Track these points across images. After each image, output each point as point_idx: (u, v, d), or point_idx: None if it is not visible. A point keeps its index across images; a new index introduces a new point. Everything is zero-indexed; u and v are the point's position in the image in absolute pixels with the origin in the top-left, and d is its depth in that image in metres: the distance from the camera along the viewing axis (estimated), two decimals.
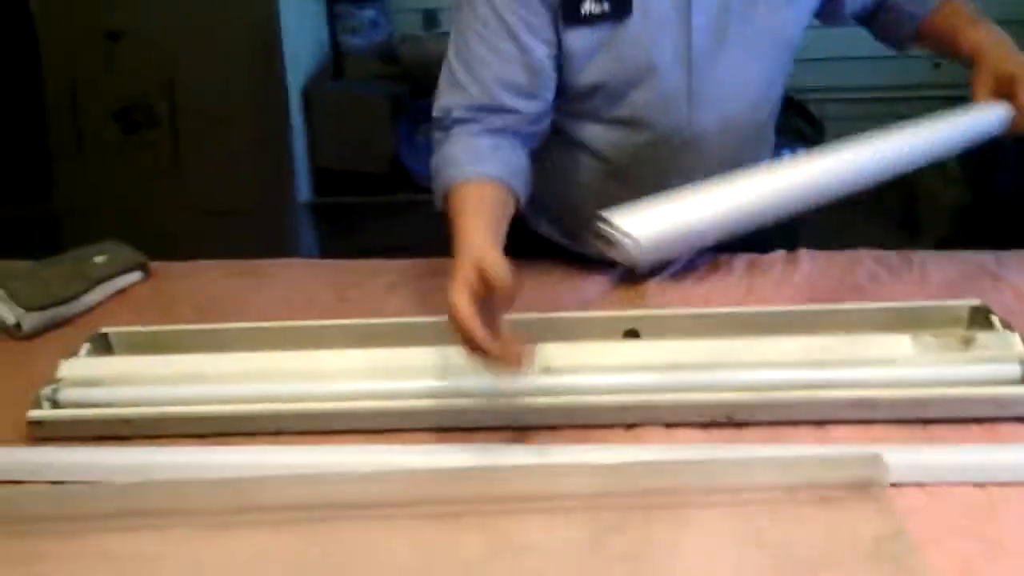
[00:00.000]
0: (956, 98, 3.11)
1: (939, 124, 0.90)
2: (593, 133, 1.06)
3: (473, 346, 0.75)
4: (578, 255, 1.13)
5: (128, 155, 2.39)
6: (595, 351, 0.88)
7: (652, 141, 1.03)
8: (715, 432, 0.80)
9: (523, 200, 0.98)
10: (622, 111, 1.02)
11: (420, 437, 0.82)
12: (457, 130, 0.98)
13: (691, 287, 1.05)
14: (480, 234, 0.84)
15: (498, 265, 0.78)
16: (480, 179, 0.93)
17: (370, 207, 2.70)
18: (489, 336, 0.74)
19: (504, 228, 0.90)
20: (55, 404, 0.87)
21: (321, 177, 2.69)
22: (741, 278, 1.06)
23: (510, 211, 0.94)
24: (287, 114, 2.44)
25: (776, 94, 1.10)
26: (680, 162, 1.03)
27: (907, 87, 3.08)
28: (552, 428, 0.82)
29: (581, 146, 1.07)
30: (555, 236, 1.17)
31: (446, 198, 0.93)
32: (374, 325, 0.95)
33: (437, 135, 1.00)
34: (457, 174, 0.94)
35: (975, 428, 0.78)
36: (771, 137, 1.15)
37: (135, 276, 1.14)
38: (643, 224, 0.73)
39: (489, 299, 0.77)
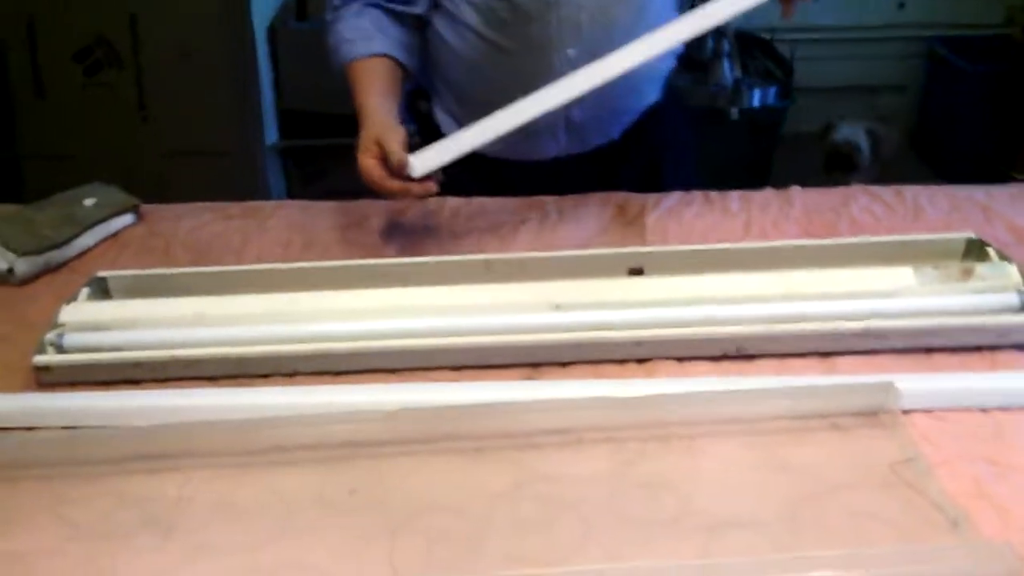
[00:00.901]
0: (921, 38, 3.12)
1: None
2: (468, 5, 1.10)
3: (388, 194, 0.98)
4: (486, 158, 1.17)
5: (91, 97, 2.32)
6: (603, 288, 0.88)
7: (523, 3, 1.06)
8: (726, 364, 0.82)
9: (413, 70, 1.13)
10: None
11: (434, 376, 0.82)
12: (343, 11, 1.12)
13: (689, 223, 1.06)
14: (376, 110, 1.02)
15: (394, 142, 0.98)
16: (370, 56, 1.08)
17: (338, 149, 2.66)
18: (398, 182, 0.97)
19: (397, 95, 1.08)
20: (60, 349, 0.86)
21: (288, 119, 2.64)
22: (738, 213, 1.07)
23: (400, 79, 1.10)
24: (253, 53, 2.38)
25: None
26: (557, 34, 1.07)
27: (873, 27, 3.09)
28: (564, 364, 0.83)
29: (463, 24, 1.11)
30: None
31: (343, 75, 1.09)
32: (381, 265, 0.95)
33: (328, 16, 1.14)
34: (349, 53, 1.09)
35: (976, 356, 0.81)
36: (658, 8, 1.14)
37: (127, 219, 1.12)
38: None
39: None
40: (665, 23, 1.04)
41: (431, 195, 1.00)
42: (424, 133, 1.26)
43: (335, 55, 1.11)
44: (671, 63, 1.24)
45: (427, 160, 0.99)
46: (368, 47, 1.09)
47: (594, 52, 1.05)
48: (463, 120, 1.19)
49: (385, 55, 1.09)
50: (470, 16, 1.10)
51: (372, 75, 1.07)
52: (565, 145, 1.18)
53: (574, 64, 1.09)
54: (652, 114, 1.22)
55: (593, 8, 1.07)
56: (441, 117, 1.23)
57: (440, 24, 1.14)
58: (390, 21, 1.12)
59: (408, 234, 1.08)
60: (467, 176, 1.20)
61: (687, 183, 1.16)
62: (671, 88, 1.26)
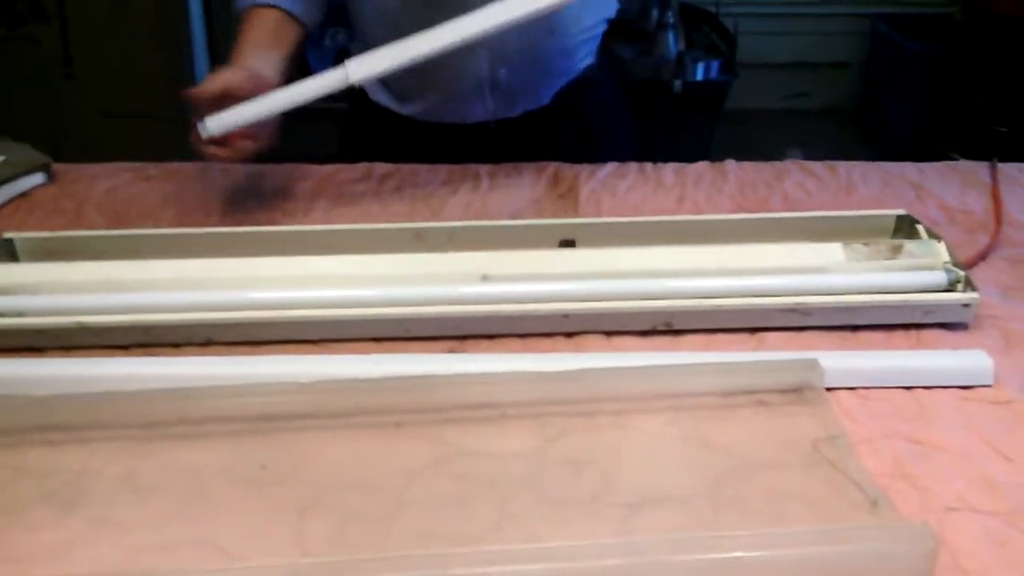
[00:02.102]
0: (864, 15, 3.16)
1: None
2: None
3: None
4: (415, 123, 1.18)
5: (13, 51, 2.23)
6: (532, 259, 0.86)
7: None
8: (654, 340, 0.81)
9: (312, 23, 1.09)
10: None
11: (356, 347, 0.80)
12: None
13: (623, 196, 1.04)
14: (235, 61, 1.00)
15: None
16: (255, 8, 1.05)
17: None
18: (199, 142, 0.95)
19: (280, 47, 1.04)
20: None
21: None
22: (671, 187, 1.06)
23: (287, 35, 1.06)
24: (187, 10, 2.30)
25: None
26: None
27: (817, 3, 3.11)
28: (491, 337, 0.81)
29: None
30: (390, 104, 1.19)
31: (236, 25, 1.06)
32: (304, 232, 0.92)
33: None
34: (241, 4, 1.06)
35: (902, 334, 0.81)
36: None
37: (37, 178, 1.07)
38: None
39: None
40: None
41: (241, 158, 0.96)
42: (351, 98, 1.23)
43: (235, 11, 1.08)
44: (603, 26, 1.21)
45: (223, 119, 0.93)
46: None
47: None
48: (389, 82, 1.16)
49: (270, 6, 1.05)
50: None
51: (251, 26, 1.04)
52: (493, 108, 1.15)
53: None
54: (584, 79, 1.20)
55: None
56: (369, 83, 1.19)
57: None
58: None
59: (335, 200, 1.05)
60: (397, 141, 1.18)
61: (622, 152, 1.15)
62: (606, 54, 1.24)
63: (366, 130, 1.24)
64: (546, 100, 1.18)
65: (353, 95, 1.21)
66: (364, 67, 0.94)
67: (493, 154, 1.14)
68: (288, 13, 1.06)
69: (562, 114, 1.19)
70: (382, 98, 1.19)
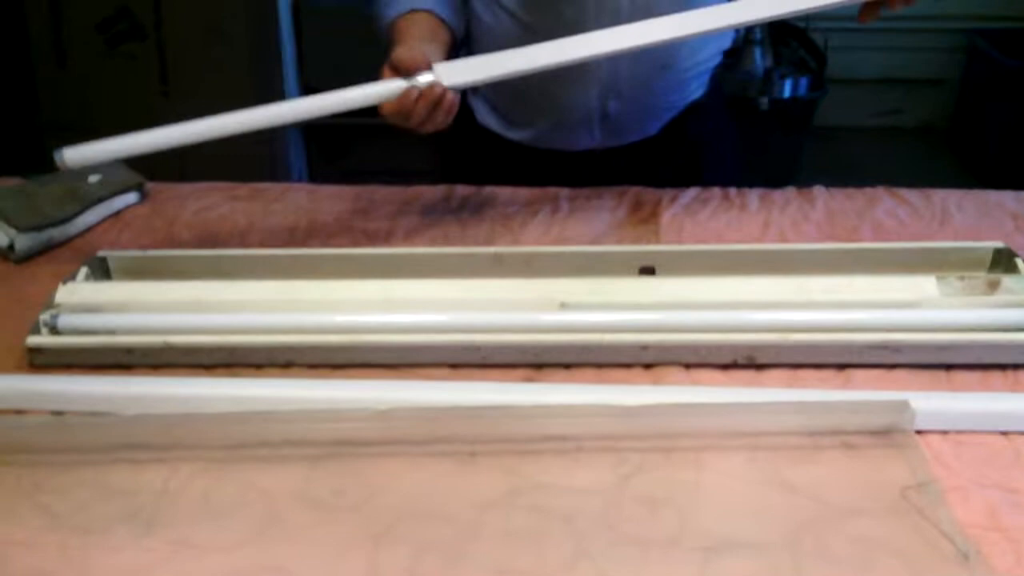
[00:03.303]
0: (959, 30, 3.06)
1: None
2: None
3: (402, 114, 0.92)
4: (521, 147, 1.17)
5: (113, 69, 2.31)
6: (611, 287, 0.85)
7: None
8: (735, 374, 0.79)
9: (459, 33, 1.08)
10: None
11: (433, 373, 0.80)
12: None
13: (705, 222, 1.02)
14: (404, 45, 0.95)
15: (404, 49, 0.92)
16: (409, 11, 1.04)
17: (361, 129, 2.64)
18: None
19: (439, 41, 1.02)
20: (54, 330, 0.84)
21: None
22: (756, 213, 1.04)
23: (442, 35, 1.04)
24: (277, 28, 2.36)
25: None
26: (595, 18, 1.01)
27: (910, 18, 3.02)
28: (568, 367, 0.80)
29: (499, 3, 1.08)
30: (498, 128, 1.18)
31: (386, 34, 1.04)
32: (385, 255, 0.93)
33: None
34: (388, 14, 1.05)
35: (999, 375, 0.77)
36: (702, 4, 1.08)
37: (131, 197, 1.10)
38: None
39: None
40: None
41: (447, 113, 0.93)
42: (458, 118, 1.23)
43: (378, 22, 1.07)
44: (717, 59, 1.19)
45: (455, 71, 0.91)
46: (409, 4, 1.04)
47: None
48: (498, 106, 1.16)
49: (426, 11, 1.05)
50: None
51: (409, 27, 1.03)
52: (600, 139, 1.14)
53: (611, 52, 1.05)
54: (692, 110, 1.17)
55: None
56: (474, 102, 1.19)
57: (477, 3, 1.10)
58: None
59: (415, 222, 1.05)
60: (501, 164, 1.17)
61: (728, 179, 1.12)
62: (715, 82, 1.21)
63: (470, 152, 1.23)
64: (654, 131, 1.16)
65: (459, 116, 1.21)
66: (456, 74, 0.93)
67: (598, 180, 1.12)
68: (441, 19, 1.06)
69: (670, 143, 1.17)
70: (490, 122, 1.19)
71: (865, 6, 0.96)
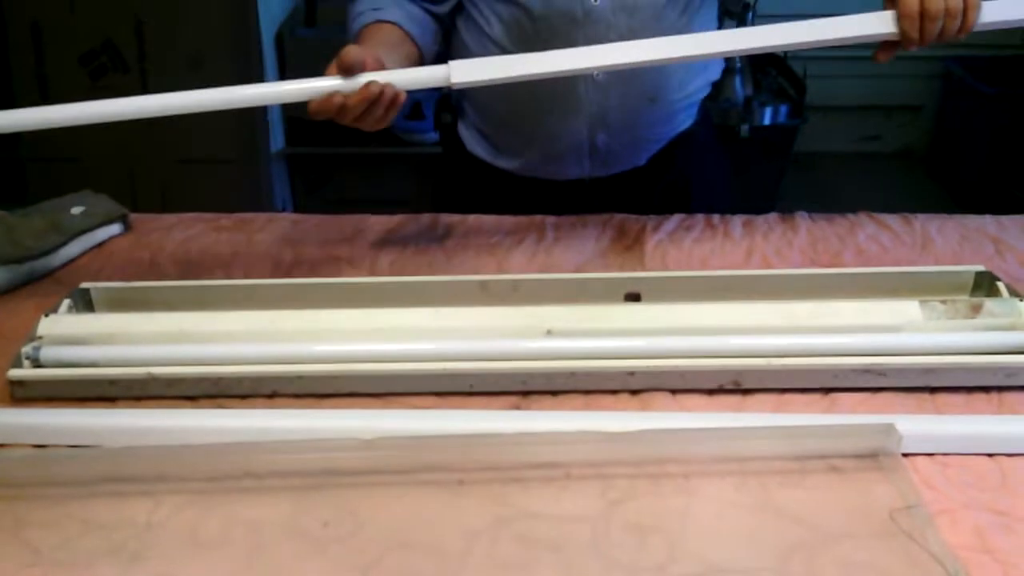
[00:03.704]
0: (937, 57, 3.09)
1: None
2: (492, 12, 1.07)
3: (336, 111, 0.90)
4: (509, 176, 1.17)
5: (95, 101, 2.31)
6: (597, 314, 0.85)
7: (547, 16, 1.03)
8: (721, 399, 0.79)
9: (426, 51, 1.08)
10: None
11: (418, 401, 0.80)
12: None
13: (690, 248, 1.03)
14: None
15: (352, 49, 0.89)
16: (375, 23, 1.04)
17: (344, 158, 2.65)
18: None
19: (401, 53, 1.01)
20: (36, 363, 0.83)
21: (294, 127, 2.63)
22: (740, 239, 1.04)
23: (406, 47, 1.04)
24: (260, 60, 2.36)
25: None
26: (576, 45, 1.00)
27: None
28: (555, 393, 0.80)
29: (484, 33, 1.08)
30: (487, 156, 1.19)
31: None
32: (369, 284, 0.93)
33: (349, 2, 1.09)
34: (357, 24, 1.05)
35: (983, 397, 0.78)
36: (693, 32, 1.09)
37: (114, 229, 1.10)
38: None
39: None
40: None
41: (387, 110, 0.89)
42: (448, 145, 1.24)
43: (349, 34, 1.06)
44: (706, 90, 1.20)
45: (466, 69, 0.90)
46: (375, 15, 1.05)
47: (621, 76, 1.02)
48: (488, 136, 1.17)
49: (392, 23, 1.04)
50: (495, 28, 1.08)
51: (372, 34, 1.02)
52: (589, 169, 1.15)
53: (601, 87, 1.06)
54: (681, 141, 1.18)
55: (623, 30, 1.04)
56: (464, 131, 1.20)
57: (466, 34, 1.11)
58: (409, 2, 1.08)
59: (401, 250, 1.05)
60: (490, 192, 1.18)
61: (717, 207, 1.13)
62: (703, 113, 1.22)
63: (459, 181, 1.24)
64: (642, 162, 1.17)
65: (449, 145, 1.22)
66: (466, 72, 0.92)
67: (586, 209, 1.13)
68: (407, 33, 1.05)
69: (658, 173, 1.18)
70: (479, 151, 1.20)
71: (882, 45, 0.96)
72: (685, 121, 1.18)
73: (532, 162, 1.16)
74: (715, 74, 1.21)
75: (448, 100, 1.24)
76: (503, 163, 1.18)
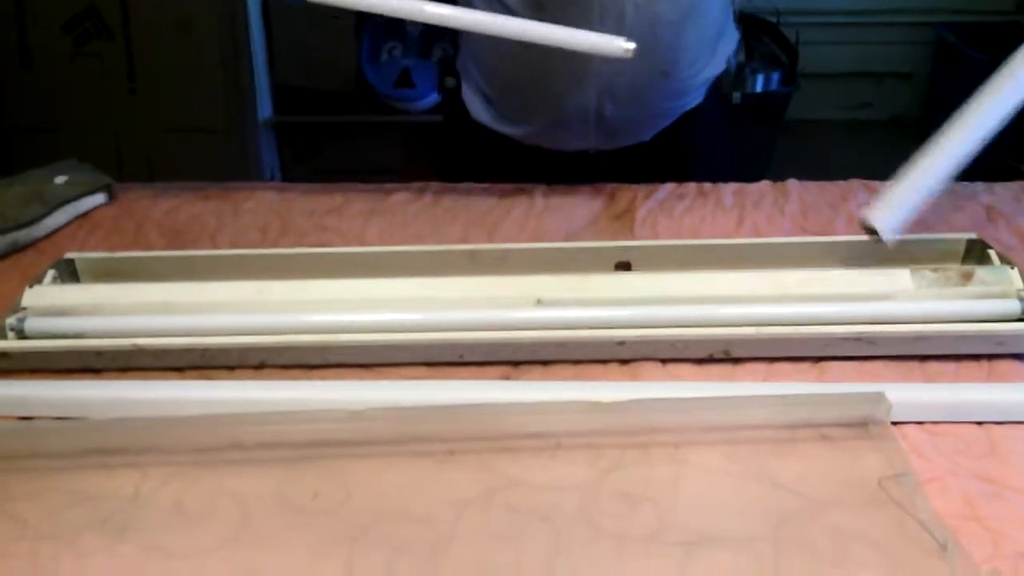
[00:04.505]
0: (929, 24, 3.08)
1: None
2: None
3: None
4: (513, 143, 1.15)
5: (80, 69, 2.28)
6: (587, 283, 0.85)
7: None
8: (711, 368, 0.79)
9: None
10: None
11: (408, 372, 0.79)
12: None
13: (680, 217, 1.02)
14: None
15: None
16: None
17: (333, 127, 2.63)
18: None
19: None
20: (20, 334, 0.82)
21: (282, 95, 2.60)
22: (731, 208, 1.04)
23: None
24: (247, 28, 2.33)
25: None
26: (598, 22, 1.00)
27: (880, 11, 3.04)
28: (545, 363, 0.80)
29: (499, 2, 1.05)
30: (490, 122, 1.17)
31: None
32: (358, 254, 0.92)
33: None
34: None
35: (973, 365, 0.77)
36: (708, 7, 1.09)
37: (99, 199, 1.08)
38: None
39: None
40: (712, 25, 0.98)
41: None
42: (450, 111, 1.22)
43: None
44: (721, 67, 1.18)
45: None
46: None
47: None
48: (493, 101, 1.15)
49: None
50: None
51: None
52: (593, 141, 1.13)
53: (611, 58, 1.04)
54: (688, 118, 1.16)
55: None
56: (468, 96, 1.18)
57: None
58: None
59: (389, 220, 1.04)
60: (493, 159, 1.16)
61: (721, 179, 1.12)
62: (716, 90, 1.20)
63: (461, 146, 1.23)
64: (647, 137, 1.15)
65: (452, 110, 1.19)
66: None
67: (586, 180, 1.12)
68: None
69: (662, 149, 1.16)
70: (482, 116, 1.18)
71: None
72: (695, 99, 1.16)
73: (538, 130, 1.14)
74: (730, 48, 1.18)
75: (452, 64, 1.21)
76: (506, 129, 1.16)
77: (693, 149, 1.19)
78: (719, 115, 1.23)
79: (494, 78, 1.14)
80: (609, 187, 1.09)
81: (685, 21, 1.04)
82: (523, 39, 0.94)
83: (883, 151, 2.97)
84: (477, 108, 1.18)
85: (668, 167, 1.16)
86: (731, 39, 1.19)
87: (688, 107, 1.16)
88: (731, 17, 1.18)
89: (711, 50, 1.15)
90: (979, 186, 1.07)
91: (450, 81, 1.20)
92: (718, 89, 1.21)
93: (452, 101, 1.20)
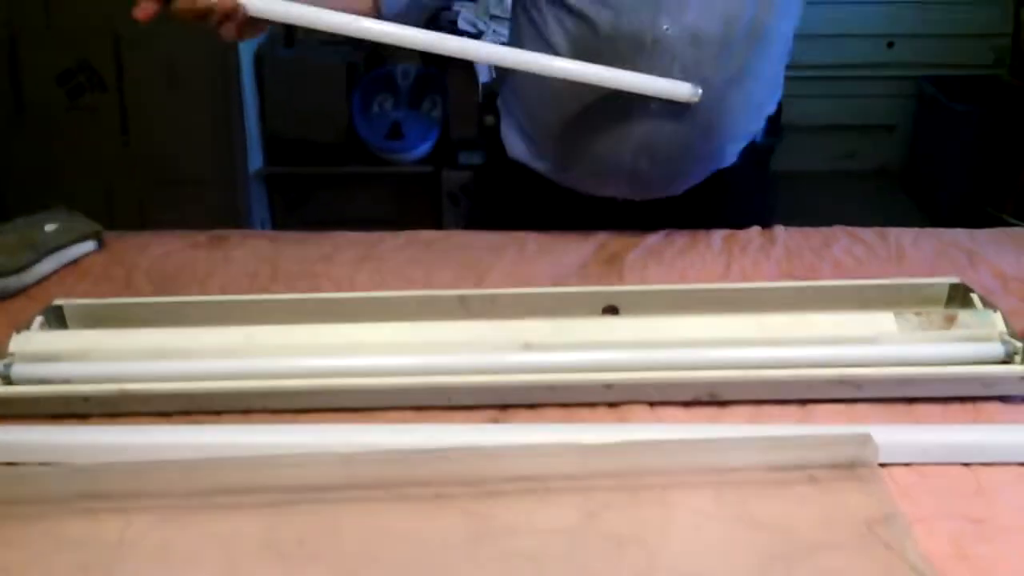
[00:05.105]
0: (910, 77, 3.14)
1: None
2: (557, 22, 1.05)
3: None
4: (551, 185, 1.15)
5: (73, 120, 2.30)
6: (575, 327, 0.85)
7: (613, 38, 1.01)
8: (698, 410, 0.79)
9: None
10: None
11: (396, 416, 0.79)
12: None
13: (669, 262, 1.03)
14: None
15: None
16: None
17: (323, 178, 2.65)
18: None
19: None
20: (7, 380, 0.82)
21: (273, 146, 2.63)
22: (719, 253, 1.05)
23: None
24: (239, 79, 2.36)
25: (752, 15, 1.02)
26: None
27: (862, 65, 3.10)
28: (533, 407, 0.80)
29: (543, 40, 1.06)
30: (528, 160, 1.17)
31: None
32: (346, 300, 0.92)
33: None
34: None
35: (959, 407, 0.78)
36: (759, 70, 1.08)
37: (88, 246, 1.09)
38: None
39: None
40: (761, 90, 1.04)
41: (239, 30, 0.92)
42: (488, 148, 1.23)
43: None
44: (759, 123, 1.16)
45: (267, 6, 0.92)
46: None
47: (677, 107, 1.02)
48: (534, 139, 1.15)
49: None
50: (558, 37, 1.05)
51: None
52: (626, 190, 1.12)
53: (654, 116, 1.04)
54: (721, 177, 1.14)
55: (687, 62, 1.02)
56: (507, 132, 1.18)
57: (525, 33, 1.09)
58: None
59: (379, 266, 1.05)
60: (530, 198, 1.18)
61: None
62: (753, 149, 1.18)
63: (498, 183, 1.24)
64: (679, 192, 1.13)
65: (491, 148, 1.21)
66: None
67: (618, 225, 1.11)
68: None
69: (692, 204, 1.14)
70: (519, 152, 1.17)
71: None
72: (731, 157, 1.14)
73: (569, 175, 1.14)
74: (771, 109, 1.17)
75: (493, 102, 1.22)
76: (541, 167, 1.16)
77: (723, 205, 1.16)
78: (753, 174, 1.21)
79: (535, 118, 1.14)
80: (601, 234, 1.10)
81: (731, 85, 1.04)
82: (590, 82, 0.97)
83: (867, 201, 3.01)
84: (515, 145, 1.17)
85: (695, 220, 1.14)
86: (775, 101, 1.17)
87: (723, 166, 1.14)
88: (781, 80, 1.16)
89: (756, 113, 1.14)
90: (960, 232, 1.08)
91: (489, 120, 1.21)
92: (759, 154, 1.19)
93: (491, 139, 1.21)
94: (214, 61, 2.33)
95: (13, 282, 1.00)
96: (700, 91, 0.97)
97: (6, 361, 0.83)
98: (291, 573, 0.63)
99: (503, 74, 1.19)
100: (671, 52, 1.01)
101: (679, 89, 0.99)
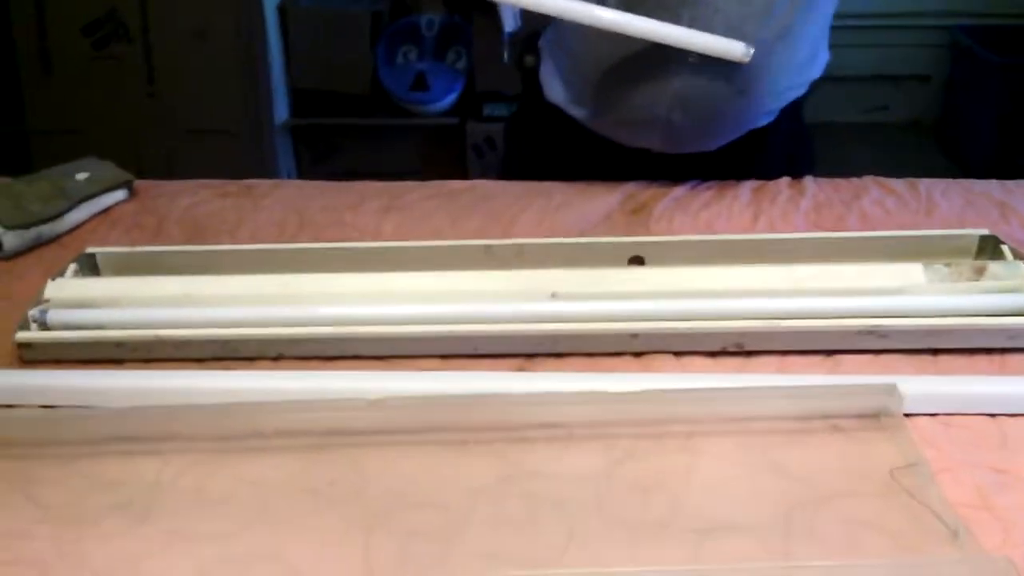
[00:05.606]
0: (944, 27, 3.05)
1: None
2: None
3: None
4: (586, 131, 1.14)
5: (99, 72, 2.31)
6: (601, 277, 0.86)
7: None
8: (724, 361, 0.79)
9: None
10: None
11: (424, 364, 0.80)
12: None
13: (696, 213, 1.03)
14: None
15: None
16: None
17: (349, 129, 2.65)
18: None
19: None
20: (43, 326, 0.84)
21: (299, 98, 2.63)
22: (747, 204, 1.04)
23: None
24: (264, 32, 2.36)
25: None
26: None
27: (896, 14, 3.04)
28: (559, 356, 0.80)
29: None
30: (566, 105, 1.15)
31: None
32: (376, 249, 0.93)
33: None
34: None
35: (984, 359, 0.78)
36: (804, 31, 1.06)
37: (120, 195, 1.10)
38: None
39: None
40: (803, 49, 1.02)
41: None
42: (525, 89, 1.22)
43: None
44: (802, 89, 1.14)
45: None
46: None
47: (716, 64, 1.00)
48: (574, 88, 1.14)
49: None
50: None
51: None
52: (658, 143, 1.11)
53: (693, 70, 1.03)
54: (756, 136, 1.12)
55: (731, 16, 1.00)
56: (546, 75, 1.17)
57: None
58: None
59: (405, 216, 1.06)
60: (564, 142, 1.17)
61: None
62: (793, 111, 1.15)
63: (534, 126, 1.23)
64: (712, 148, 1.12)
65: (528, 89, 1.20)
66: None
67: (649, 176, 1.11)
68: None
69: (725, 161, 1.13)
70: (558, 98, 1.16)
71: None
72: (767, 117, 1.12)
73: (604, 122, 1.13)
74: (816, 73, 1.15)
75: (533, 42, 1.20)
76: (578, 113, 1.15)
77: (758, 161, 1.15)
78: (789, 135, 1.19)
79: (576, 63, 1.12)
80: (629, 184, 1.10)
81: (775, 43, 1.02)
82: (644, 37, 0.96)
83: (900, 153, 2.96)
84: (554, 88, 1.16)
85: (729, 175, 1.13)
86: (820, 64, 1.15)
87: (759, 125, 1.12)
88: (826, 42, 1.14)
89: (797, 73, 1.12)
90: (993, 184, 1.07)
91: (530, 60, 1.19)
92: (797, 110, 1.17)
93: (529, 79, 1.20)
94: (238, 12, 2.32)
95: (47, 230, 1.01)
96: (752, 51, 0.95)
97: (42, 307, 0.85)
98: (321, 512, 0.65)
99: (541, 19, 1.17)
100: (715, 5, 1.00)
101: (732, 47, 0.97)
